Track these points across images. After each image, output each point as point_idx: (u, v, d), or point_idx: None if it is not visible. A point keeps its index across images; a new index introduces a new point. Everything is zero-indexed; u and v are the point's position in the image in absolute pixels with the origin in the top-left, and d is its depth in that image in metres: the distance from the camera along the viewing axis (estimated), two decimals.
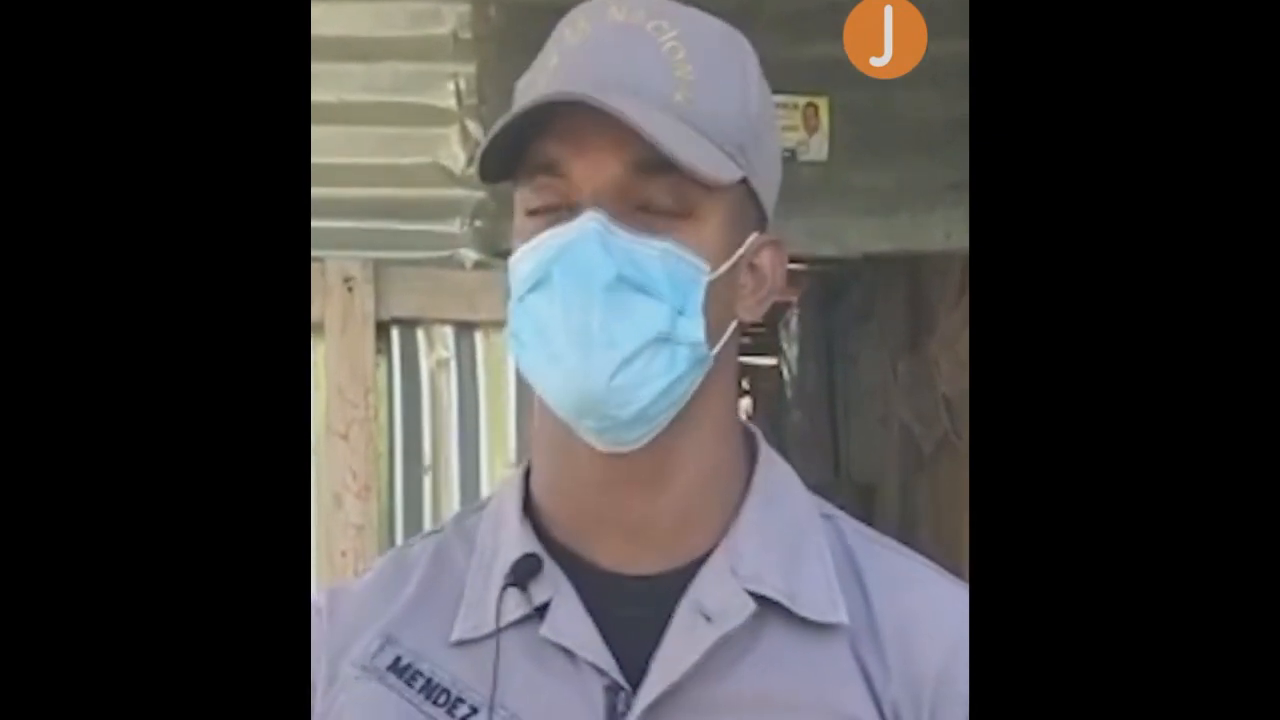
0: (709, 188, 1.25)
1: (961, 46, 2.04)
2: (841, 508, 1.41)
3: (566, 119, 1.23)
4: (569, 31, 1.29)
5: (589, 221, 1.23)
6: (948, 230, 3.55)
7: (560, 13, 1.38)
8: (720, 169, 1.25)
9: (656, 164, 1.23)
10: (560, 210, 1.25)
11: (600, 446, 1.27)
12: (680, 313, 1.26)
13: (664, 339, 1.25)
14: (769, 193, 1.31)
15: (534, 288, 1.26)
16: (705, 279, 1.26)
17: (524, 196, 1.27)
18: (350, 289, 3.35)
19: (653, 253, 1.24)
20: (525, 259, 1.26)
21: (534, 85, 1.27)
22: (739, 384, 1.36)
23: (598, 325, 1.23)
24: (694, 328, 1.26)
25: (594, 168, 1.24)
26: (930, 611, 1.34)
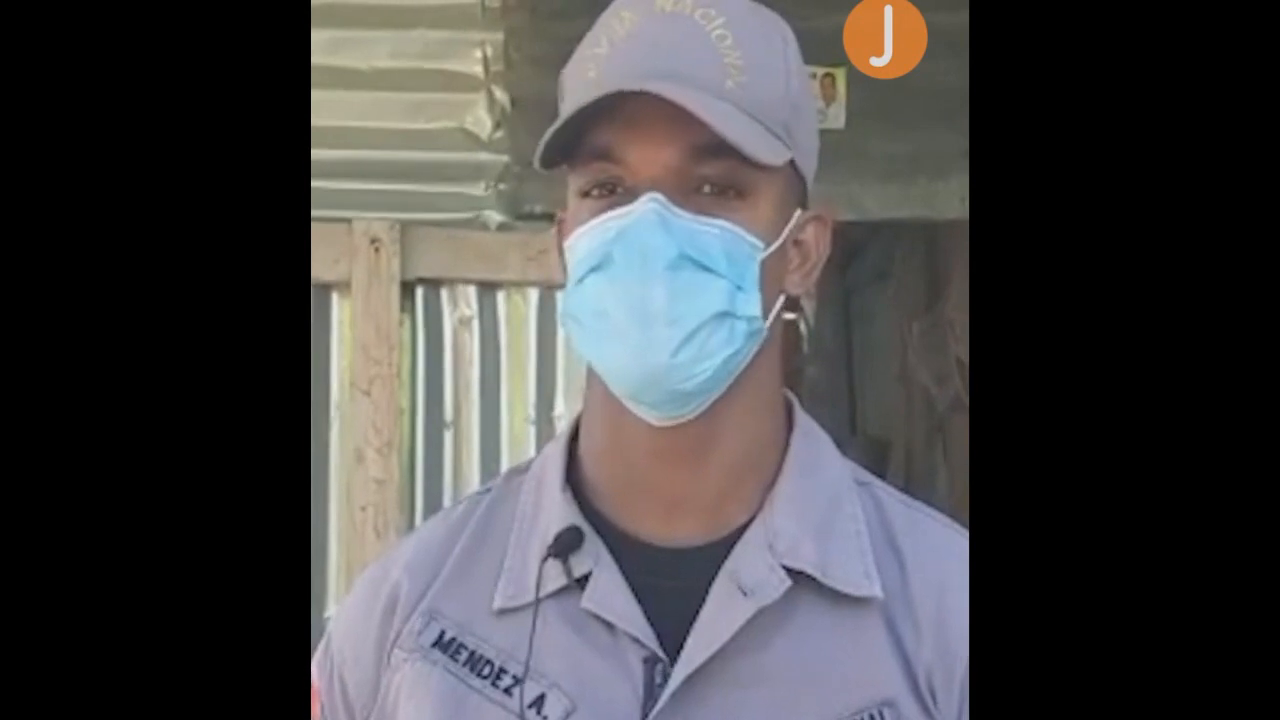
0: (761, 169, 1.25)
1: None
2: (860, 463, 1.39)
3: (623, 107, 1.23)
4: (616, 22, 1.29)
5: (649, 203, 1.23)
6: (963, 197, 3.50)
7: None
8: (773, 152, 1.25)
9: (712, 148, 1.23)
10: (616, 193, 1.25)
11: (655, 421, 1.27)
12: (739, 289, 1.26)
13: (724, 315, 1.25)
14: (809, 167, 1.31)
15: (593, 269, 1.25)
16: (760, 256, 1.26)
17: (579, 181, 1.28)
18: (376, 249, 3.29)
19: (712, 231, 1.24)
20: (583, 241, 1.26)
21: (583, 75, 1.27)
22: (782, 357, 1.37)
23: (660, 303, 1.23)
24: (751, 303, 1.26)
25: (651, 153, 1.24)
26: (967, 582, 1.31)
